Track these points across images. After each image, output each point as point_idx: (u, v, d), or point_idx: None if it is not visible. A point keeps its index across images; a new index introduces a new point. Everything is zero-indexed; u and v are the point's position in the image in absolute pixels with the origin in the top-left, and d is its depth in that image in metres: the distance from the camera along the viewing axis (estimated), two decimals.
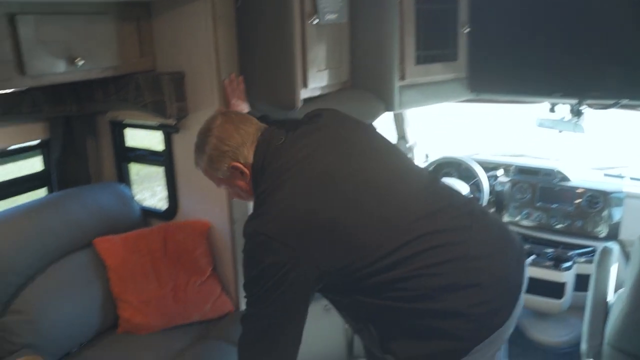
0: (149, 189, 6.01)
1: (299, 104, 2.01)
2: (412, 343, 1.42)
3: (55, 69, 1.82)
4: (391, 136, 3.45)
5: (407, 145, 3.40)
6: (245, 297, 1.48)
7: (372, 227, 1.42)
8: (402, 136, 3.41)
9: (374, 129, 1.77)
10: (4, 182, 2.35)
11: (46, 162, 2.44)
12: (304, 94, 2.05)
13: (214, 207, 2.27)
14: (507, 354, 1.73)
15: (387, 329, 1.46)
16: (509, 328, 1.46)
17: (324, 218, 1.41)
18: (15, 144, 2.32)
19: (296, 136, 1.57)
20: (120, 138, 2.54)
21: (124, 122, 2.48)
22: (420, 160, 3.45)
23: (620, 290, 2.13)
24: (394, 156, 1.65)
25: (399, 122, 3.36)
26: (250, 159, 1.56)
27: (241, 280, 1.83)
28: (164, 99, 2.11)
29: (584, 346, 2.11)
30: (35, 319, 1.96)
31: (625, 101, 2.17)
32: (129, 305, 2.17)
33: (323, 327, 1.64)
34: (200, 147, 1.62)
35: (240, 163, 1.56)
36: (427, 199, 1.51)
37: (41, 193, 2.46)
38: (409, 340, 1.43)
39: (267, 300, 1.40)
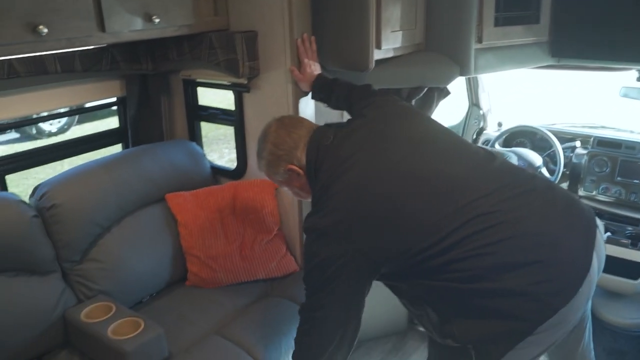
0: (216, 150, 6.17)
1: (372, 66, 1.97)
2: (472, 324, 1.40)
3: (132, 27, 1.85)
4: (464, 102, 3.35)
5: (481, 112, 3.28)
6: (304, 289, 1.54)
7: (429, 211, 1.41)
8: (475, 102, 3.30)
9: (424, 113, 1.78)
10: (85, 137, 2.46)
11: (122, 119, 2.53)
12: (377, 55, 1.99)
13: None
14: (592, 337, 1.67)
15: (445, 311, 1.45)
16: (577, 308, 1.39)
17: (380, 206, 1.43)
18: (95, 100, 2.42)
19: (345, 133, 1.62)
20: (193, 96, 2.58)
21: (196, 80, 2.51)
22: (493, 128, 3.33)
23: None
24: (448, 138, 1.64)
25: (473, 87, 3.24)
26: (303, 160, 1.63)
27: None
28: (236, 57, 2.12)
29: None
30: (111, 267, 2.06)
31: None
32: (197, 260, 2.24)
33: (384, 293, 1.64)
34: (259, 153, 1.73)
35: (295, 165, 1.64)
36: (485, 179, 1.49)
37: (117, 149, 2.56)
38: (468, 321, 1.41)
39: (323, 291, 1.47)
